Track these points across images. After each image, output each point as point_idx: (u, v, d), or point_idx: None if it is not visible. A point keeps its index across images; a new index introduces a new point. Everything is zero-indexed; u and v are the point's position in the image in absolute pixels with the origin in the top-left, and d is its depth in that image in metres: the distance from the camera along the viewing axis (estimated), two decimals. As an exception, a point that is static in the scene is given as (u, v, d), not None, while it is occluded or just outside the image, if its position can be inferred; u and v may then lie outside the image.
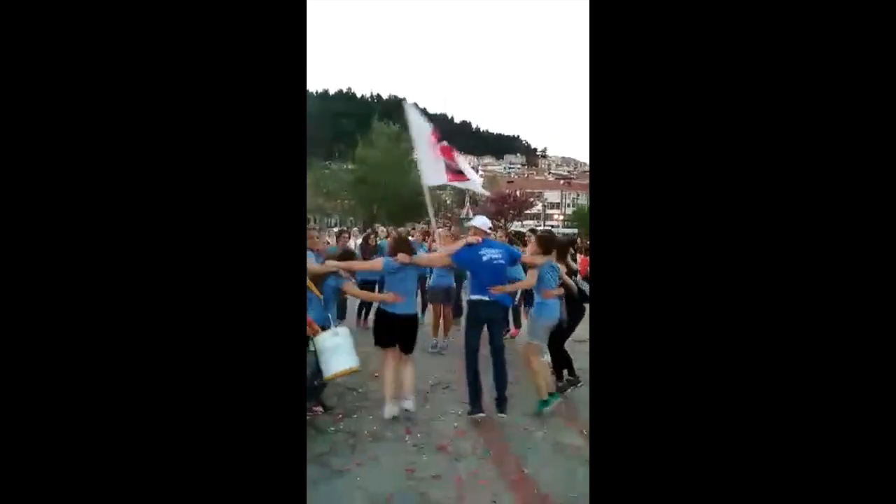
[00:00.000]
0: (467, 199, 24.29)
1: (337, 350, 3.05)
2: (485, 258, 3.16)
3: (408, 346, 3.23)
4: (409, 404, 3.16)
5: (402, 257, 3.10)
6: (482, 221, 3.40)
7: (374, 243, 6.27)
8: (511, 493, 2.32)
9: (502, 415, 3.20)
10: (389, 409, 3.12)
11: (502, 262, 3.22)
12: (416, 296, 3.41)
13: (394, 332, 3.19)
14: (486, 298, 3.16)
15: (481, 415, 3.12)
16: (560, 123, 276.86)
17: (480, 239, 3.26)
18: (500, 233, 6.86)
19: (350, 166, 27.08)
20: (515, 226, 26.21)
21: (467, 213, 18.21)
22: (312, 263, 3.38)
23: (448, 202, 31.82)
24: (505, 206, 29.04)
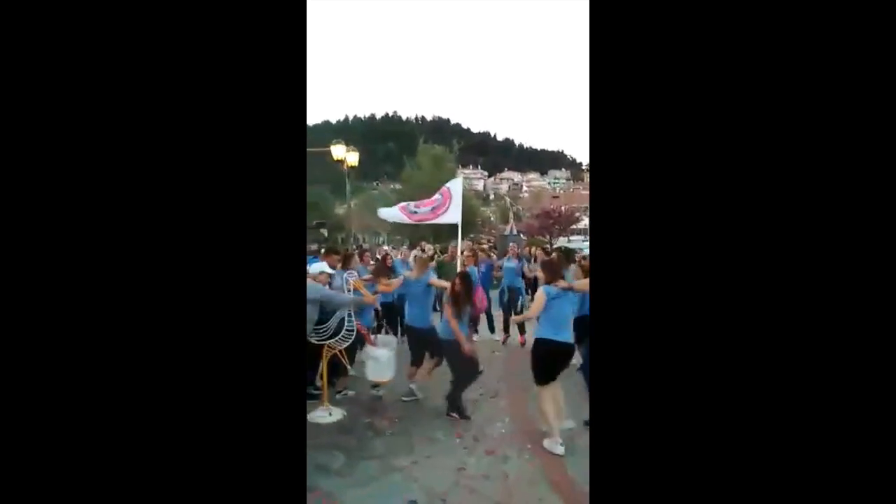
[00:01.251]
0: (511, 215, 24.38)
1: (380, 361, 3.71)
2: None
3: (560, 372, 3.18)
4: (570, 423, 3.19)
5: (562, 283, 3.12)
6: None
7: (389, 263, 6.12)
8: (554, 492, 2.50)
9: None
10: (552, 444, 2.98)
11: None
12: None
13: (558, 362, 3.08)
14: None
15: None
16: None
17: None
18: (535, 248, 7.07)
19: (396, 186, 28.02)
20: (561, 241, 25.95)
21: (511, 230, 18.30)
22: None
23: (491, 219, 32.04)
24: (550, 222, 28.82)
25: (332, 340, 3.73)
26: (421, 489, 2.53)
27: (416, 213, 5.84)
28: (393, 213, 6.04)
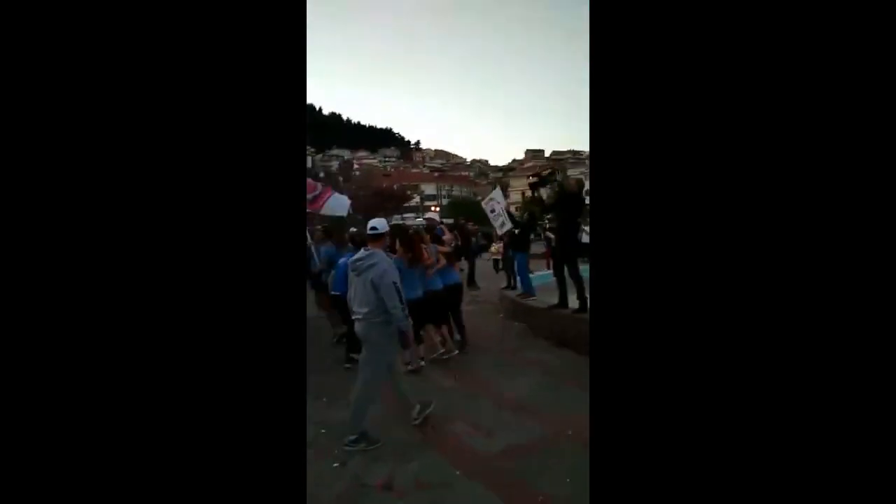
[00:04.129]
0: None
1: None
2: None
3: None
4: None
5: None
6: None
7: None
8: (402, 423, 3.11)
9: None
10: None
11: None
12: None
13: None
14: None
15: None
16: (432, 116, 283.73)
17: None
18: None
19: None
20: (395, 219, 26.99)
21: (348, 209, 18.31)
22: None
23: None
24: (383, 200, 29.60)
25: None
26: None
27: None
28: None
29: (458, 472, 2.45)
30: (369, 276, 2.79)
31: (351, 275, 3.00)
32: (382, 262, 2.83)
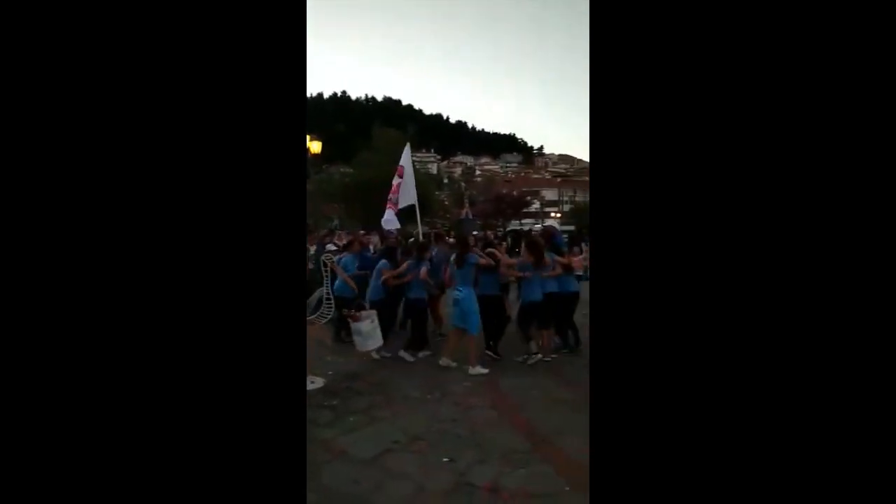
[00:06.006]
0: (466, 200, 25.03)
1: (362, 334, 4.21)
2: None
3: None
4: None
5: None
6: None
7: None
8: (511, 428, 3.11)
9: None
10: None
11: None
12: None
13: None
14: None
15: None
16: (556, 121, 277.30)
17: None
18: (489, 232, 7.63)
19: (347, 170, 27.75)
20: (513, 224, 26.95)
21: (466, 214, 18.94)
22: None
23: (446, 202, 32.58)
24: (503, 206, 29.73)
25: (314, 316, 4.13)
26: (402, 433, 3.05)
27: (394, 202, 5.95)
28: (391, 219, 5.96)
29: (567, 488, 2.38)
30: None
31: None
32: None
